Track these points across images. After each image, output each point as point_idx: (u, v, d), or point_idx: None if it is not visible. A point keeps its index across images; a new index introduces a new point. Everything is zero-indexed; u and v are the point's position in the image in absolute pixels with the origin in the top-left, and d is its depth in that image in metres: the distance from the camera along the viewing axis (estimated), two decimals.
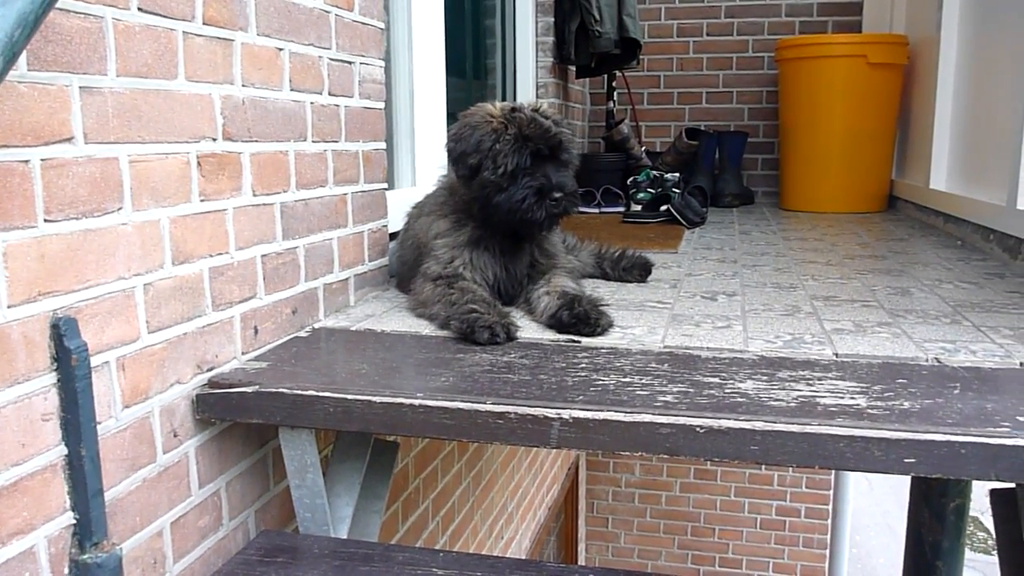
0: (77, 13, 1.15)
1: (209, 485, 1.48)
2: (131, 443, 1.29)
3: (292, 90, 1.70)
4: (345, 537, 1.55)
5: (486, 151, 1.83)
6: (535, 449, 4.27)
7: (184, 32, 1.37)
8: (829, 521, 5.77)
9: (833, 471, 5.65)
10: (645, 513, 6.02)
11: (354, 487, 1.59)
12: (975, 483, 2.48)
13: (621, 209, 4.29)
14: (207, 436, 1.47)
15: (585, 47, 4.27)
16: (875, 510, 10.08)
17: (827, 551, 5.82)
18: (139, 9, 1.26)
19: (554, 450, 4.74)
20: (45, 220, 1.11)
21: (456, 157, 1.89)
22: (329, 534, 1.51)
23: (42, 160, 1.10)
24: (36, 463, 1.12)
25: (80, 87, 1.16)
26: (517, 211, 1.83)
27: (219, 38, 1.46)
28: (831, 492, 5.73)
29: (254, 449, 1.62)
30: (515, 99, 4.06)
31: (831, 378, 1.44)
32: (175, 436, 1.39)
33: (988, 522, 8.70)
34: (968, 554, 8.57)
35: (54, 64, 1.11)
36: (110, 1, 1.20)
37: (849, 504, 5.71)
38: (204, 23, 1.41)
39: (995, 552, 1.42)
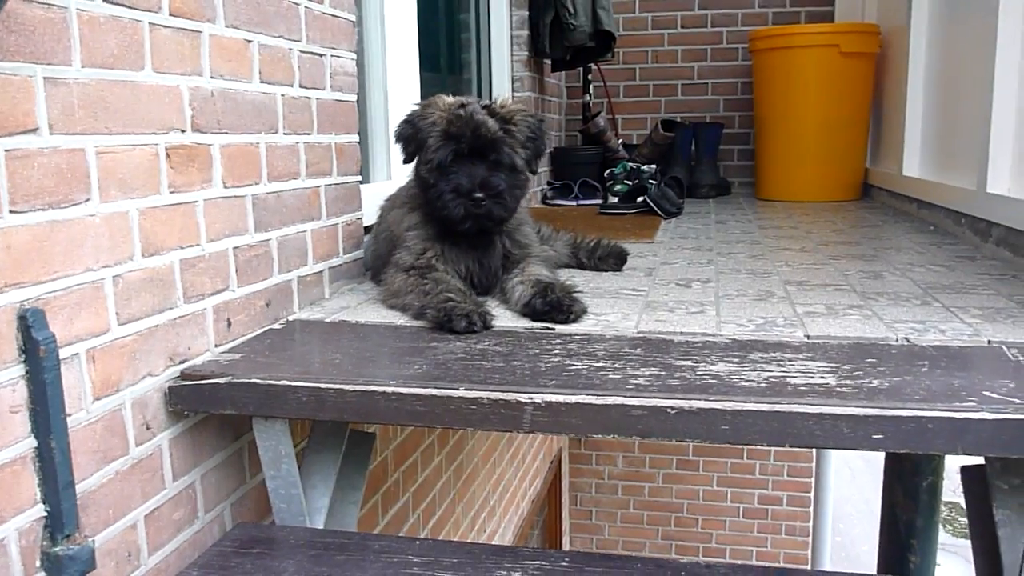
0: (40, 3, 1.14)
1: (184, 478, 1.48)
2: (102, 435, 1.28)
3: (262, 82, 1.69)
4: (322, 528, 1.55)
5: (421, 143, 1.86)
6: (516, 442, 4.28)
7: (151, 23, 1.36)
8: (811, 509, 5.82)
9: (814, 459, 5.71)
10: (629, 504, 6.05)
11: (330, 478, 1.59)
12: (952, 465, 2.51)
13: (599, 202, 4.31)
14: (181, 429, 1.47)
15: (560, 40, 4.27)
16: (857, 498, 10.16)
17: (810, 539, 5.86)
18: (104, 0, 1.25)
19: (536, 442, 4.75)
20: (10, 211, 1.11)
21: (399, 141, 1.93)
22: (305, 525, 1.51)
23: (6, 151, 1.09)
24: (5, 455, 1.11)
25: (44, 77, 1.15)
26: (441, 208, 1.85)
27: (186, 29, 1.45)
28: (812, 480, 5.77)
29: (229, 442, 1.61)
30: (490, 93, 4.08)
31: (802, 359, 1.46)
32: (148, 428, 1.38)
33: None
34: (950, 539, 8.65)
35: (17, 54, 1.11)
36: None
37: (831, 492, 5.76)
38: (171, 14, 1.41)
39: None
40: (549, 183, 4.64)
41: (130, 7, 1.31)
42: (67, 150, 1.20)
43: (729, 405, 1.24)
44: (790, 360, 1.45)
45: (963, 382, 1.31)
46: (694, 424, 1.24)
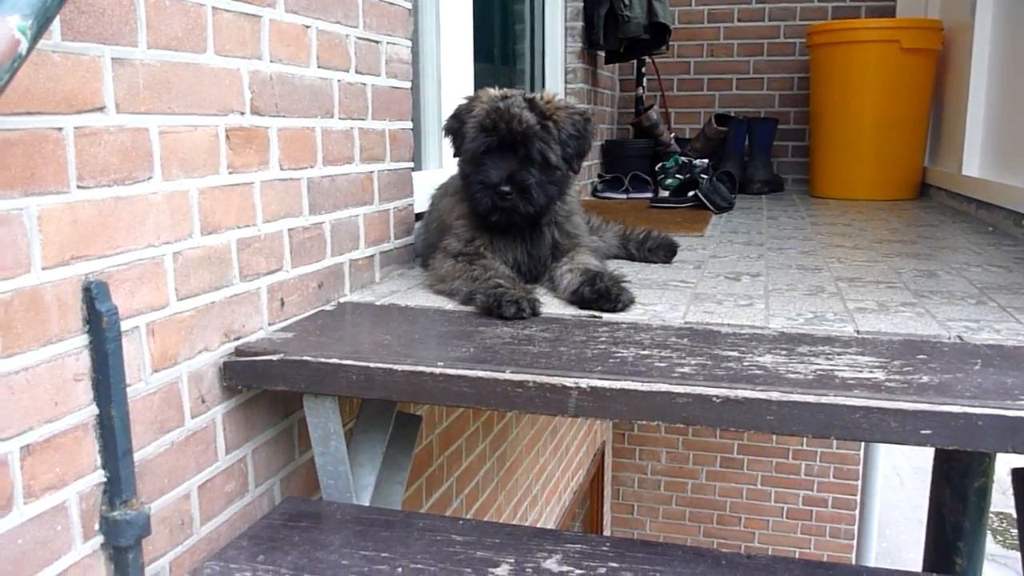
0: None
1: (236, 451, 1.52)
2: (160, 407, 1.32)
3: (319, 67, 1.72)
4: (368, 505, 1.58)
5: (462, 135, 1.89)
6: (560, 432, 4.29)
7: (213, 7, 1.40)
8: (857, 512, 5.73)
9: (861, 461, 5.62)
10: (671, 501, 6.02)
11: (377, 457, 1.62)
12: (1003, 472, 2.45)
13: (649, 195, 4.29)
14: (234, 404, 1.51)
15: (614, 32, 4.26)
16: (905, 504, 9.97)
17: (854, 542, 5.79)
18: None
19: (580, 434, 4.76)
20: (78, 186, 1.15)
21: (447, 134, 1.97)
22: (352, 502, 1.54)
23: (75, 128, 1.14)
24: (68, 421, 1.15)
25: (112, 58, 1.19)
26: (470, 198, 1.88)
27: (247, 14, 1.49)
28: (859, 482, 5.69)
29: (280, 419, 1.65)
30: (543, 84, 4.08)
31: (851, 353, 1.45)
32: (203, 402, 1.42)
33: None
34: (999, 550, 8.45)
35: (86, 35, 1.15)
36: None
37: (877, 495, 5.67)
38: None
39: None
40: (600, 176, 4.63)
41: None
42: (132, 129, 1.24)
43: (775, 395, 1.23)
44: (839, 354, 1.44)
45: (1016, 381, 1.29)
46: (739, 413, 1.24)
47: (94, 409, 1.19)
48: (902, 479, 10.60)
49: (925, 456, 10.52)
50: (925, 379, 1.30)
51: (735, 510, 5.92)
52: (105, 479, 1.22)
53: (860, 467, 5.66)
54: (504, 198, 1.82)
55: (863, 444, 5.64)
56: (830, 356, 1.43)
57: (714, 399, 1.25)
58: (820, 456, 5.70)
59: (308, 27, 1.67)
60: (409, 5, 2.13)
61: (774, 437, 5.73)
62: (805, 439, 5.70)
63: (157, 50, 1.27)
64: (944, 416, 1.18)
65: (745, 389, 1.25)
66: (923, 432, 1.19)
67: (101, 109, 1.18)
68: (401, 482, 1.73)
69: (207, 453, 1.44)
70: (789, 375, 1.31)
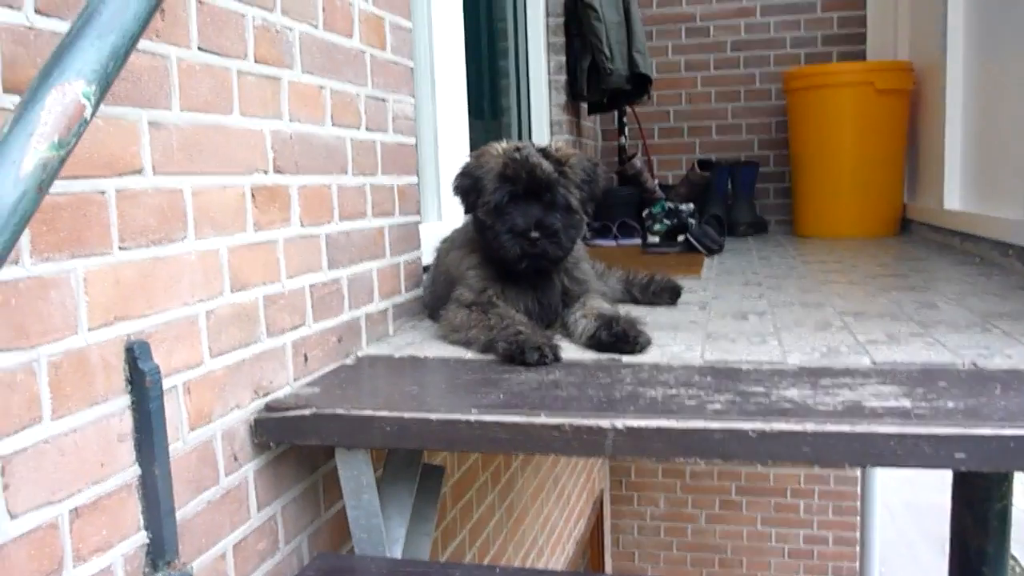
0: (145, 52, 1.21)
1: (267, 509, 1.51)
2: (196, 465, 1.32)
3: (334, 125, 1.76)
4: (400, 558, 1.58)
5: (480, 190, 1.91)
6: (562, 482, 4.28)
7: (238, 70, 1.43)
8: (857, 549, 5.72)
9: (859, 498, 5.63)
10: (671, 546, 5.98)
11: (406, 509, 1.62)
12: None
13: (637, 241, 4.34)
14: (264, 460, 1.51)
15: (597, 84, 4.35)
16: (899, 541, 9.95)
17: None
18: (199, 48, 1.33)
19: (580, 482, 4.74)
20: (120, 248, 1.16)
21: (458, 193, 1.98)
22: (384, 555, 1.54)
23: (117, 190, 1.16)
24: (113, 482, 1.15)
25: (148, 121, 1.22)
26: (498, 248, 1.89)
27: (268, 76, 1.52)
28: (858, 519, 5.69)
29: (307, 474, 1.65)
30: (529, 137, 4.15)
31: (873, 383, 1.47)
32: (235, 460, 1.42)
33: None
34: None
35: (126, 100, 1.17)
36: (174, 40, 1.27)
37: (877, 531, 5.67)
38: (256, 61, 1.48)
39: None
40: (588, 224, 4.68)
41: (221, 55, 1.38)
42: (168, 190, 1.26)
43: (810, 427, 1.26)
44: (861, 384, 1.47)
45: None
46: (776, 447, 1.26)
47: (137, 470, 1.19)
48: (893, 515, 10.59)
49: (915, 490, 10.54)
50: (951, 404, 1.33)
51: (737, 552, 5.90)
52: (148, 540, 1.21)
53: (858, 503, 5.66)
54: (534, 244, 1.85)
55: (859, 480, 5.66)
56: (853, 387, 1.45)
57: (750, 433, 1.27)
58: (818, 494, 5.71)
59: (323, 87, 1.71)
60: (412, 64, 2.18)
61: (771, 477, 5.73)
62: (802, 478, 5.71)
63: (189, 112, 1.30)
64: (976, 439, 1.21)
65: (779, 422, 1.27)
66: (957, 456, 1.21)
67: (139, 171, 1.20)
68: (428, 533, 1.73)
69: (240, 511, 1.44)
70: (819, 407, 1.34)
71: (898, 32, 4.63)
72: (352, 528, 1.53)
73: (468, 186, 1.95)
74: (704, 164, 4.72)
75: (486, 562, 2.91)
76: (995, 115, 3.24)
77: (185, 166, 1.30)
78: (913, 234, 4.33)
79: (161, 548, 1.21)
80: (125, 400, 1.17)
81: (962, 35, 3.60)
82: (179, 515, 1.27)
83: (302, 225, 1.64)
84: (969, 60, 3.57)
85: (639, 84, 4.51)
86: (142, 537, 1.20)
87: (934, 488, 10.26)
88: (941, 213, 3.75)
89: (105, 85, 0.89)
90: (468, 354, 1.81)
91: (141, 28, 0.93)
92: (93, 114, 0.88)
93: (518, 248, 1.87)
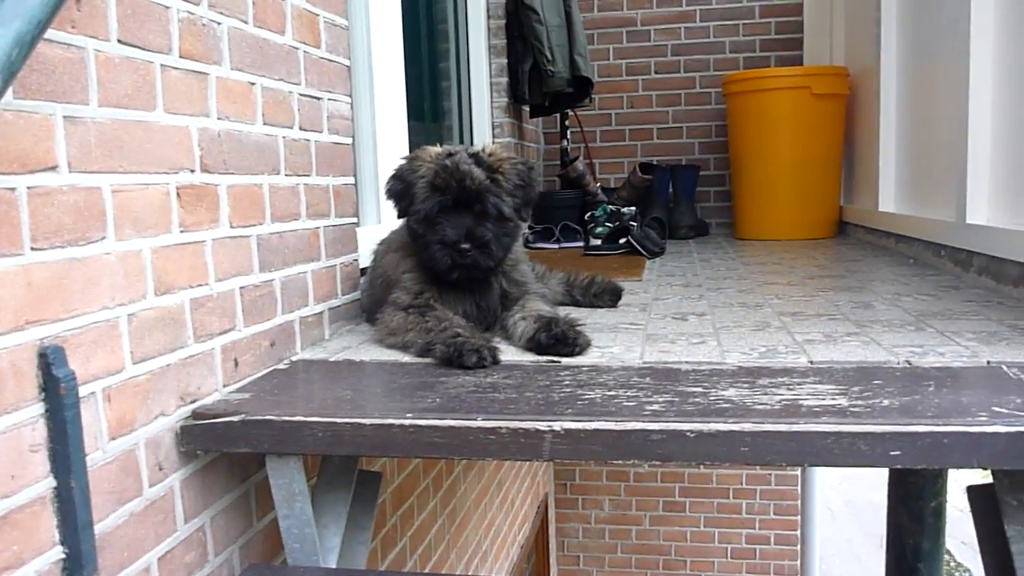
0: (60, 43, 1.15)
1: (194, 520, 1.46)
2: (118, 476, 1.26)
3: (265, 124, 1.71)
4: (335, 567, 1.53)
5: (411, 196, 1.87)
6: (505, 487, 4.25)
7: (162, 64, 1.38)
8: (799, 547, 5.80)
9: (799, 497, 5.71)
10: (616, 549, 6.00)
11: (341, 517, 1.58)
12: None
13: (580, 244, 4.34)
14: (191, 470, 1.45)
15: (539, 86, 4.35)
16: (839, 538, 10.14)
17: None
18: (119, 41, 1.27)
19: (524, 486, 4.72)
20: (32, 248, 1.10)
21: (391, 197, 1.95)
22: (319, 565, 1.49)
23: (28, 188, 1.10)
24: (25, 495, 1.09)
25: (64, 116, 1.16)
26: (429, 259, 1.86)
27: (195, 71, 1.47)
28: (799, 518, 5.77)
29: (237, 483, 1.60)
30: (472, 139, 4.12)
31: (810, 382, 1.48)
32: (160, 469, 1.37)
33: (962, 555, 8.81)
34: None
35: (38, 93, 1.12)
36: (91, 32, 1.21)
37: (817, 530, 5.76)
38: (180, 56, 1.42)
39: None
40: (530, 227, 4.67)
41: (143, 48, 1.33)
42: (84, 188, 1.20)
43: (748, 427, 1.25)
44: (798, 384, 1.47)
45: (971, 399, 1.34)
46: (714, 447, 1.25)
47: (51, 481, 1.14)
48: (833, 513, 10.78)
49: (853, 489, 10.75)
50: (886, 403, 1.33)
51: (680, 553, 5.93)
52: (64, 555, 1.15)
53: (799, 502, 5.74)
54: (464, 255, 1.82)
55: (800, 480, 5.74)
56: (791, 386, 1.46)
57: (688, 434, 1.26)
58: (760, 494, 5.77)
59: (253, 84, 1.66)
60: (348, 63, 2.14)
61: (714, 477, 5.78)
62: (744, 478, 5.77)
63: (108, 108, 1.25)
64: (911, 436, 1.21)
65: (717, 422, 1.27)
66: (892, 453, 1.22)
67: (54, 168, 1.14)
68: (365, 542, 1.68)
69: (166, 523, 1.38)
70: (756, 407, 1.34)
71: (833, 38, 4.72)
72: (284, 538, 1.48)
73: (400, 191, 1.91)
74: (645, 167, 4.75)
75: (428, 569, 2.87)
76: (927, 119, 3.31)
77: (104, 163, 1.24)
78: (849, 236, 4.41)
79: (79, 563, 1.15)
80: (38, 408, 1.12)
81: (895, 41, 3.68)
82: (99, 528, 1.21)
83: (232, 226, 1.58)
84: (902, 66, 3.65)
85: (581, 87, 4.51)
86: (58, 552, 1.14)
87: (872, 486, 10.48)
88: (876, 215, 3.82)
89: (8, 74, 0.84)
90: (405, 358, 1.78)
91: (50, 15, 0.88)
92: None
93: (448, 260, 1.84)
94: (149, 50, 1.35)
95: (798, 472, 5.68)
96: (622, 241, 3.87)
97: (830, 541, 9.92)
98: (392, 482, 2.52)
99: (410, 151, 2.80)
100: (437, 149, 1.93)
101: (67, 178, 1.17)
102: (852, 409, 1.30)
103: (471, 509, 3.52)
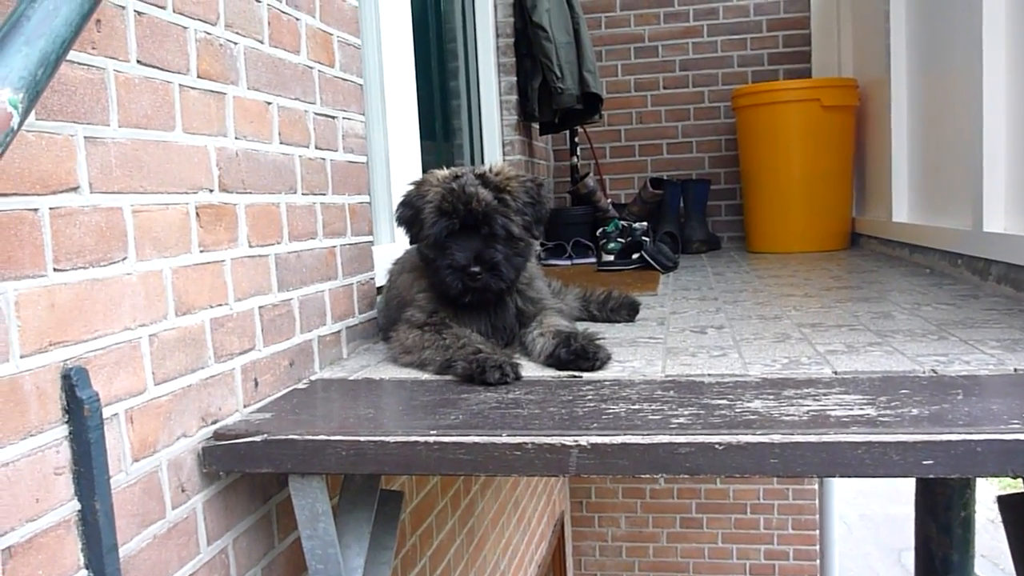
0: (81, 64, 1.15)
1: (217, 542, 1.44)
2: (141, 498, 1.25)
3: (282, 143, 1.71)
4: None
5: (420, 221, 1.86)
6: (522, 506, 4.22)
7: (180, 84, 1.38)
8: (818, 562, 5.74)
9: (818, 511, 5.66)
10: (634, 567, 5.94)
11: (364, 537, 1.56)
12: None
13: (592, 261, 4.34)
14: (213, 491, 1.44)
15: (548, 104, 4.35)
16: (855, 552, 10.04)
17: None
18: (138, 62, 1.27)
19: (540, 504, 4.68)
20: (55, 269, 1.10)
21: (401, 224, 1.94)
22: None
23: (51, 209, 1.10)
24: (50, 519, 1.08)
25: (85, 137, 1.16)
26: (439, 284, 1.85)
27: (213, 91, 1.47)
28: (818, 532, 5.71)
29: (259, 504, 1.58)
30: (482, 157, 4.13)
31: (836, 393, 1.46)
32: (183, 491, 1.36)
33: (981, 567, 8.69)
34: None
35: (60, 114, 1.12)
36: (111, 53, 1.21)
37: (836, 545, 5.70)
38: (199, 76, 1.43)
39: None
40: (542, 244, 4.67)
41: (162, 68, 1.33)
42: (106, 208, 1.20)
43: (777, 438, 1.23)
44: (824, 394, 1.45)
45: (1001, 407, 1.32)
46: (743, 459, 1.24)
47: (76, 504, 1.13)
48: (849, 527, 10.68)
49: (869, 503, 10.65)
50: (915, 412, 1.32)
51: (699, 570, 5.87)
52: None
53: (817, 516, 5.69)
54: (475, 279, 1.80)
55: (817, 493, 5.69)
56: (817, 397, 1.44)
57: (716, 446, 1.25)
58: (778, 508, 5.72)
59: (270, 103, 1.66)
60: (361, 81, 2.14)
61: (731, 492, 5.73)
62: (761, 493, 5.72)
63: (128, 128, 1.25)
64: (944, 445, 1.19)
65: (745, 434, 1.25)
66: (925, 463, 1.20)
67: (75, 189, 1.14)
68: (388, 562, 1.67)
69: (189, 545, 1.37)
70: (784, 418, 1.32)
71: (841, 50, 4.72)
72: (308, 559, 1.46)
73: (410, 217, 1.90)
74: (656, 182, 4.74)
75: None
76: (939, 128, 3.30)
77: (125, 184, 1.24)
78: (863, 247, 4.39)
79: None
80: (62, 430, 1.11)
81: (905, 52, 3.68)
82: (123, 551, 1.20)
83: (250, 245, 1.58)
84: (913, 75, 3.64)
85: (590, 104, 4.52)
86: None
87: (888, 499, 10.39)
88: (890, 226, 3.81)
89: (34, 93, 0.83)
90: (424, 375, 1.77)
91: (73, 34, 0.88)
92: (21, 123, 0.83)
93: (460, 284, 1.82)
94: (168, 70, 1.35)
95: (816, 486, 5.63)
96: (635, 256, 3.86)
97: (847, 556, 9.81)
98: (411, 502, 2.50)
99: (422, 170, 2.82)
100: (444, 172, 1.92)
101: (88, 199, 1.17)
102: (881, 419, 1.28)
103: (488, 528, 3.49)
